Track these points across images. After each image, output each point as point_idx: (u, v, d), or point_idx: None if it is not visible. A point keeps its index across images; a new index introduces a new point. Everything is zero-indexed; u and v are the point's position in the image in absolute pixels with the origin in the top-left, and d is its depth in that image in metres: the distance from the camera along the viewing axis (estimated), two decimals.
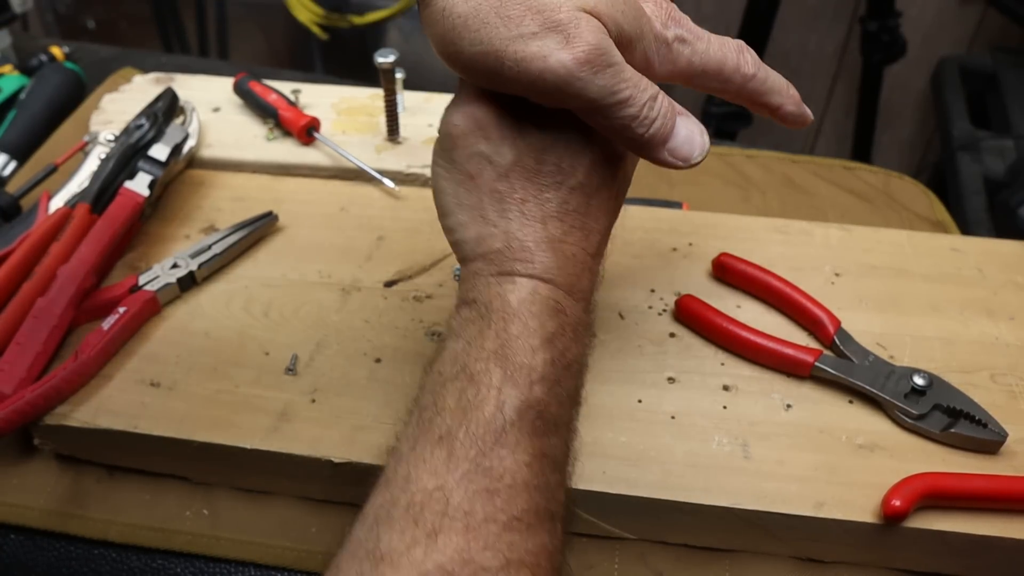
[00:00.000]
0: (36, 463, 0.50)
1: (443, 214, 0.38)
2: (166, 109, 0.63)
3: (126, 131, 0.61)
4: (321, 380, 0.50)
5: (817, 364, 0.49)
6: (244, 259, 0.58)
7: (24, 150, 0.72)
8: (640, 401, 0.49)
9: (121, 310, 0.51)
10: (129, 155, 0.60)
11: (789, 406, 0.49)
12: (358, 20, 1.46)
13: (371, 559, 0.29)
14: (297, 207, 0.62)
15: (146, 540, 0.47)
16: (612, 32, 0.33)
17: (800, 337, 0.53)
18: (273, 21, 1.69)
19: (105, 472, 0.50)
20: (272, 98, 0.69)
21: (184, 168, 0.66)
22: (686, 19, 0.38)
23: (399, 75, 0.67)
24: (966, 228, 1.11)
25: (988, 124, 1.29)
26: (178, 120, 0.66)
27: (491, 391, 0.32)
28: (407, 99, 0.71)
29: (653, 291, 0.56)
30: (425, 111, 0.70)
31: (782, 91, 0.40)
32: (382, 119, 0.68)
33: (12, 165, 0.71)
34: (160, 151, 0.61)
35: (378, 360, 0.51)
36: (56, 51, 0.84)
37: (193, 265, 0.55)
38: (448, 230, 0.38)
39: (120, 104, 0.71)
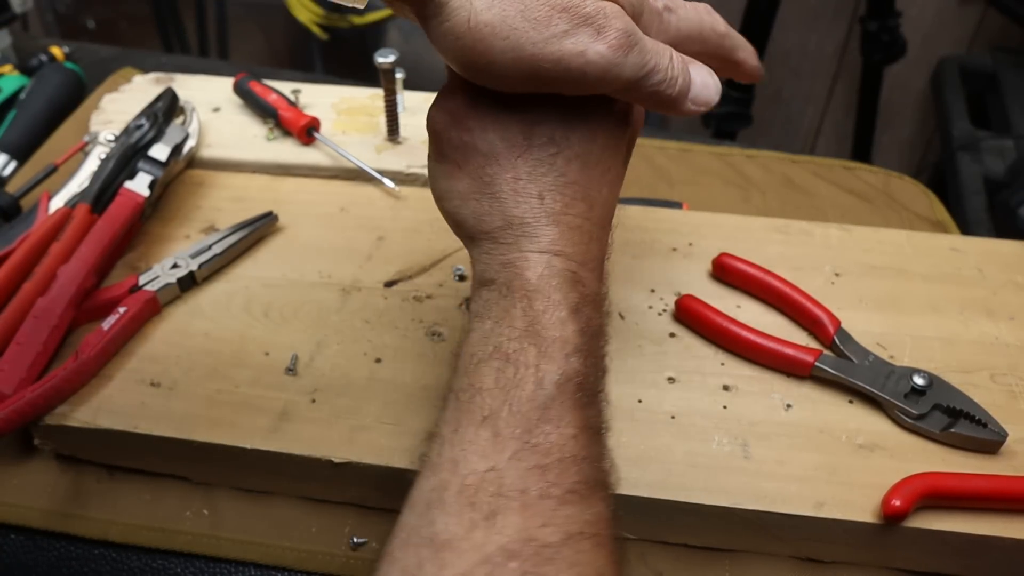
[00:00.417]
0: (36, 463, 0.50)
1: (438, 198, 0.39)
2: (166, 109, 0.63)
3: (126, 131, 0.61)
4: (321, 380, 0.50)
5: (817, 364, 0.49)
6: (244, 259, 0.58)
7: (24, 150, 0.72)
8: (640, 401, 0.49)
9: (121, 310, 0.51)
10: (129, 155, 0.60)
11: (789, 406, 0.49)
12: (358, 20, 1.46)
13: (430, 545, 0.29)
14: (297, 207, 0.62)
15: (146, 540, 0.47)
16: (627, 10, 0.34)
17: (800, 337, 0.53)
18: (273, 21, 1.69)
19: (105, 472, 0.50)
20: (272, 98, 0.69)
21: (184, 168, 0.66)
22: None
23: (399, 75, 0.67)
24: (966, 228, 1.11)
25: (988, 124, 1.29)
26: (178, 120, 0.66)
27: (528, 369, 0.32)
28: (407, 99, 0.71)
29: (653, 291, 0.56)
30: (425, 111, 0.70)
31: (746, 47, 0.43)
32: (382, 119, 0.68)
33: (12, 165, 0.71)
34: (160, 151, 0.61)
35: (378, 360, 0.51)
36: (56, 51, 0.84)
37: (193, 265, 0.55)
38: (446, 213, 0.39)
39: (120, 104, 0.71)
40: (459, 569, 0.28)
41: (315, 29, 1.50)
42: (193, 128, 0.66)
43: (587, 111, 0.37)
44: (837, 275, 0.57)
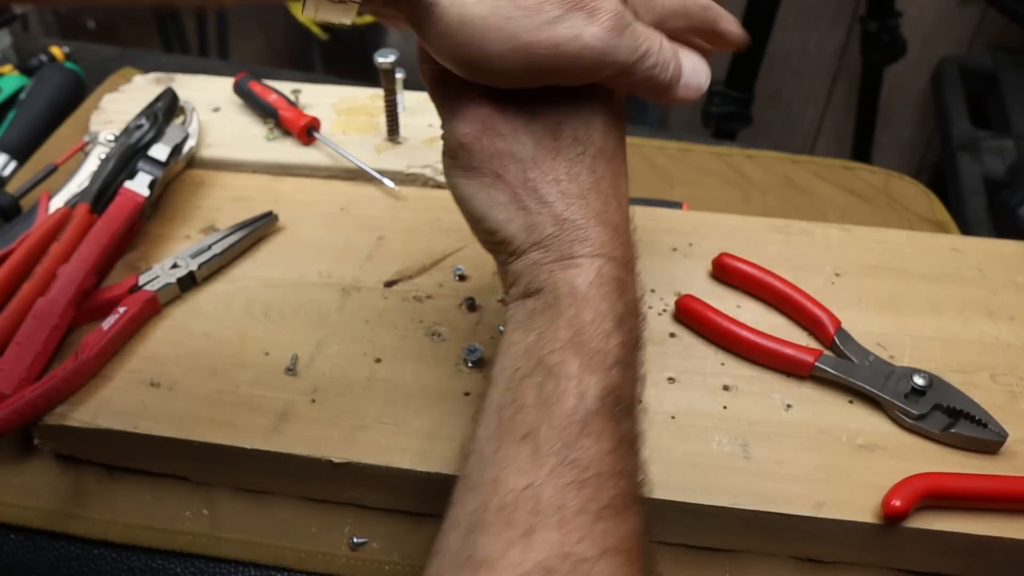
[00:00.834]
0: (36, 463, 0.50)
1: (477, 219, 0.37)
2: (166, 109, 0.63)
3: (126, 131, 0.61)
4: (321, 380, 0.50)
5: (817, 364, 0.49)
6: (244, 259, 0.58)
7: (24, 150, 0.72)
8: (640, 401, 0.49)
9: (121, 310, 0.51)
10: (129, 155, 0.60)
11: (789, 406, 0.49)
12: (358, 20, 1.46)
13: (469, 566, 0.29)
14: (297, 207, 0.62)
15: (146, 540, 0.47)
16: None
17: (800, 337, 0.53)
18: (273, 21, 1.69)
19: (105, 472, 0.50)
20: (272, 98, 0.69)
21: (184, 168, 0.66)
22: None
23: (399, 75, 0.67)
24: (966, 228, 1.11)
25: (988, 124, 1.29)
26: (178, 120, 0.66)
27: (570, 382, 0.32)
28: (407, 99, 0.71)
29: (653, 291, 0.56)
30: (425, 111, 0.70)
31: (727, 16, 0.43)
32: (382, 119, 0.68)
33: (12, 165, 0.71)
34: (160, 151, 0.61)
35: (378, 360, 0.51)
36: (56, 51, 0.84)
37: (193, 265, 0.55)
38: (488, 232, 0.37)
39: (120, 104, 0.71)
40: None
41: (315, 29, 1.50)
42: (193, 128, 0.66)
43: (597, 105, 0.37)
44: (837, 275, 0.57)
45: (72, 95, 0.79)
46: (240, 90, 0.71)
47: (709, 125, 1.34)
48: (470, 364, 0.50)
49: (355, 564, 0.45)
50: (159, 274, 0.55)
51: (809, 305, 0.53)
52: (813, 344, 0.52)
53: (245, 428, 0.47)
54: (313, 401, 0.49)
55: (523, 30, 0.32)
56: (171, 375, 0.50)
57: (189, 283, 0.55)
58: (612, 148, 0.37)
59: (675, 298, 0.54)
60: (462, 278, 0.56)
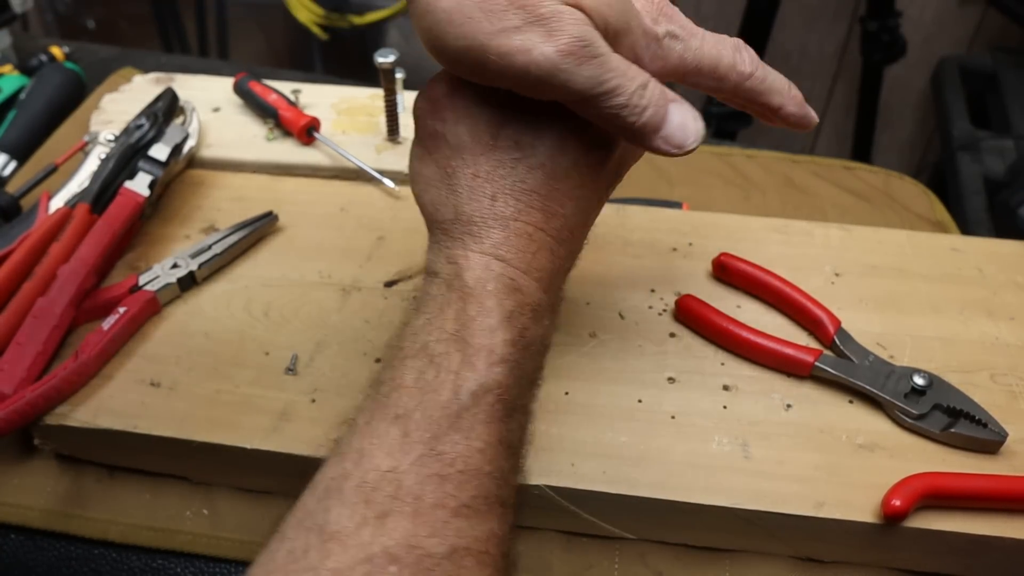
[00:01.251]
0: (36, 463, 0.50)
1: (411, 179, 0.39)
2: (166, 109, 0.63)
3: (126, 131, 0.61)
4: (321, 380, 0.50)
5: (817, 364, 0.49)
6: (244, 259, 0.58)
7: (24, 150, 0.72)
8: (640, 401, 0.49)
9: (121, 310, 0.51)
10: (129, 155, 0.60)
11: (789, 406, 0.49)
12: (358, 20, 1.46)
13: (320, 533, 0.29)
14: (297, 207, 0.62)
15: (146, 540, 0.47)
16: (598, 25, 0.33)
17: (800, 337, 0.53)
18: (273, 21, 1.69)
19: (105, 472, 0.50)
20: (272, 98, 0.69)
21: (184, 168, 0.66)
22: (679, 15, 0.38)
23: (399, 75, 0.67)
24: (966, 228, 1.11)
25: (988, 124, 1.29)
26: (178, 120, 0.66)
27: (449, 374, 0.32)
28: (407, 99, 0.71)
29: (653, 291, 0.56)
30: None
31: (783, 91, 0.40)
32: (382, 119, 0.68)
33: (12, 165, 0.71)
34: (160, 151, 0.61)
35: (378, 360, 0.51)
36: (56, 51, 0.84)
37: (193, 265, 0.55)
38: (414, 195, 0.39)
39: (120, 104, 0.71)
40: (341, 563, 0.28)
41: (315, 29, 1.50)
42: (193, 128, 0.66)
43: (561, 123, 0.36)
44: (837, 275, 0.57)
45: (72, 95, 0.79)
46: (240, 90, 0.71)
47: (709, 125, 1.34)
48: None
49: None
50: (159, 274, 0.55)
51: (809, 305, 0.53)
52: (813, 344, 0.52)
53: (245, 428, 0.47)
54: (313, 401, 0.49)
55: (480, 32, 0.32)
56: (171, 375, 0.50)
57: (189, 283, 0.55)
58: (564, 168, 0.36)
59: (675, 298, 0.54)
60: None
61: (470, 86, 0.36)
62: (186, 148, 0.64)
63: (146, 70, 0.79)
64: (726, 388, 0.50)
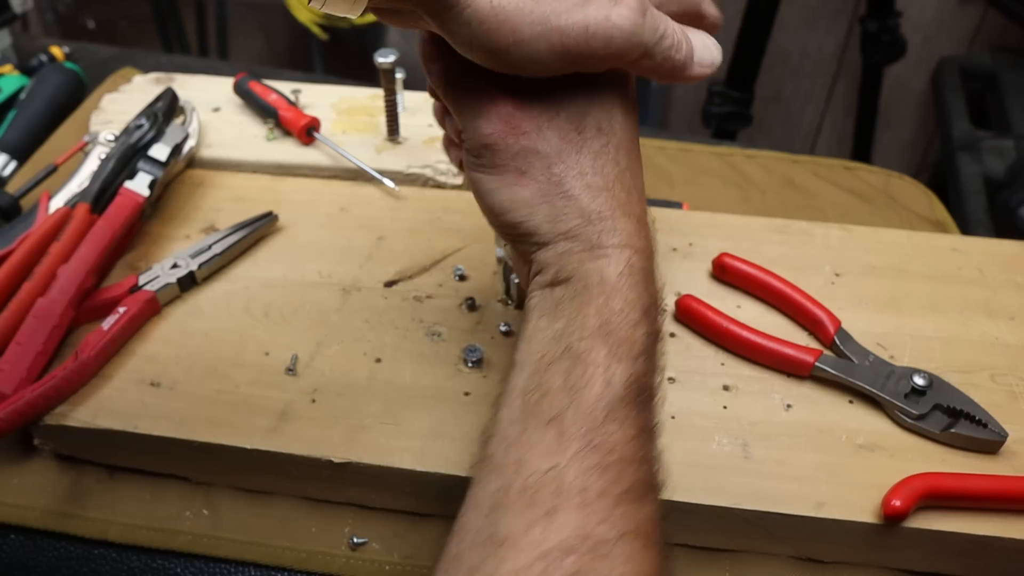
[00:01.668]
0: (36, 463, 0.50)
1: (498, 212, 0.37)
2: (166, 109, 0.63)
3: (126, 131, 0.61)
4: (321, 380, 0.50)
5: (817, 364, 0.49)
6: (244, 259, 0.58)
7: (24, 150, 0.72)
8: None
9: (121, 310, 0.51)
10: (129, 155, 0.60)
11: (789, 406, 0.49)
12: (358, 20, 1.46)
13: (492, 543, 0.30)
14: (297, 207, 0.62)
15: (146, 540, 0.47)
16: None
17: (800, 337, 0.53)
18: (273, 21, 1.69)
19: (105, 472, 0.50)
20: (272, 98, 0.69)
21: (184, 168, 0.66)
22: None
23: (399, 75, 0.67)
24: (966, 228, 1.11)
25: (988, 124, 1.29)
26: (178, 120, 0.66)
27: (598, 368, 0.33)
28: (407, 99, 0.71)
29: None
30: (425, 111, 0.70)
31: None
32: (382, 119, 0.68)
33: (12, 165, 0.71)
34: (160, 151, 0.61)
35: (378, 360, 0.51)
36: (56, 51, 0.84)
37: (193, 265, 0.55)
38: (510, 224, 0.37)
39: (120, 104, 0.71)
40: (517, 564, 0.29)
41: (315, 29, 1.50)
42: (193, 128, 0.66)
43: (616, 95, 0.37)
44: (837, 275, 0.57)
45: (72, 95, 0.79)
46: (240, 90, 0.71)
47: (709, 125, 1.34)
48: (470, 364, 0.50)
49: (355, 564, 0.46)
50: (159, 274, 0.55)
51: (809, 305, 0.53)
52: (813, 344, 0.52)
53: (245, 428, 0.47)
54: (313, 401, 0.49)
55: (553, 13, 0.32)
56: (171, 375, 0.50)
57: (189, 283, 0.55)
58: (631, 138, 0.37)
59: (675, 298, 0.54)
60: (462, 278, 0.56)
61: (534, 91, 0.36)
62: (186, 148, 0.64)
63: (146, 70, 0.79)
64: (726, 388, 0.50)
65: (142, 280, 0.54)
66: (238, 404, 0.48)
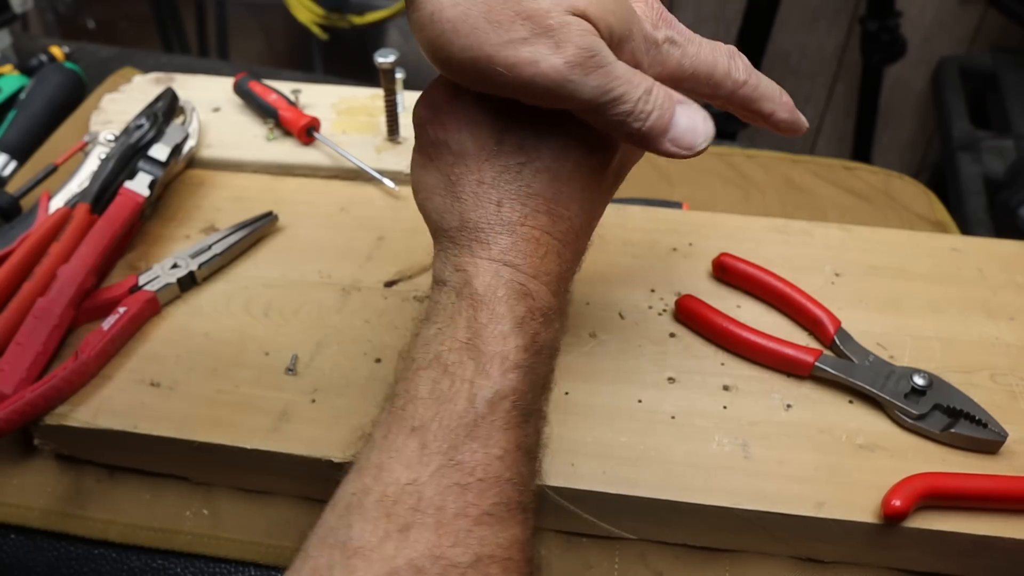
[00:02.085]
0: (36, 463, 0.50)
1: (413, 188, 0.39)
2: (166, 109, 0.63)
3: (126, 131, 0.61)
4: (321, 380, 0.50)
5: (817, 364, 0.49)
6: (244, 259, 0.58)
7: (24, 150, 0.72)
8: (640, 401, 0.49)
9: (121, 310, 0.51)
10: (129, 155, 0.60)
11: (789, 406, 0.49)
12: (358, 20, 1.46)
13: (342, 550, 0.29)
14: (297, 207, 0.62)
15: (146, 540, 0.47)
16: (603, 33, 0.33)
17: (800, 337, 0.53)
18: (273, 21, 1.69)
19: (105, 472, 0.50)
20: (272, 98, 0.69)
21: (184, 168, 0.66)
22: (676, 21, 0.38)
23: (399, 75, 0.67)
24: (966, 228, 1.11)
25: (988, 124, 1.29)
26: (178, 120, 0.66)
27: (464, 383, 0.32)
28: (407, 99, 0.71)
29: (653, 291, 0.56)
30: None
31: (774, 97, 0.40)
32: (382, 119, 0.68)
33: (12, 165, 0.71)
34: (160, 151, 0.61)
35: (378, 360, 0.51)
36: (56, 51, 0.84)
37: (193, 265, 0.55)
38: (417, 203, 0.39)
39: (120, 104, 0.71)
40: None
41: (315, 29, 1.50)
42: (193, 128, 0.66)
43: (564, 127, 0.36)
44: (837, 275, 0.57)
45: (72, 95, 0.79)
46: (240, 90, 0.71)
47: None
48: None
49: None
50: (159, 274, 0.55)
51: (809, 305, 0.53)
52: (813, 344, 0.52)
53: (245, 428, 0.47)
54: (313, 401, 0.49)
55: (488, 43, 0.32)
56: (171, 375, 0.50)
57: (189, 283, 0.55)
58: (568, 171, 0.36)
59: (675, 298, 0.54)
60: None
61: (471, 92, 0.36)
62: (186, 148, 0.64)
63: (146, 70, 0.79)
64: (726, 388, 0.50)
65: (142, 280, 0.54)
66: (238, 404, 0.48)
